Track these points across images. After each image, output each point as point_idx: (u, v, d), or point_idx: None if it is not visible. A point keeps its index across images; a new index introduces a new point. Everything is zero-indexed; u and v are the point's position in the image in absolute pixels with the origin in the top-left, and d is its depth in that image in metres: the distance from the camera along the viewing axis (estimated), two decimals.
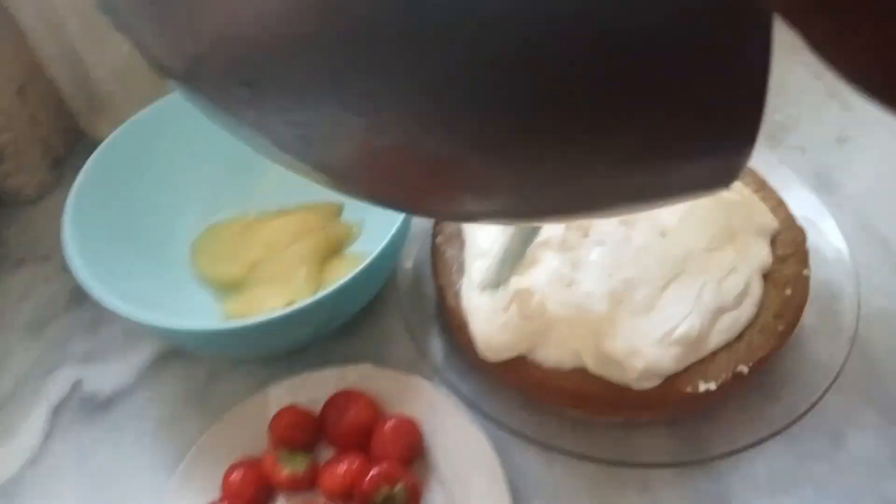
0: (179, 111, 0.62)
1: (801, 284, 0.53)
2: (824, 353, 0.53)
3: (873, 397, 0.53)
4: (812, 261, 0.54)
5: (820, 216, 0.59)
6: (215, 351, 0.56)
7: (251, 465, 0.49)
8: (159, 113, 0.62)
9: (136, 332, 0.60)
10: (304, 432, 0.51)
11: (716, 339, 0.49)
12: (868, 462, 0.50)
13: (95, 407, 0.57)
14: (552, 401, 0.52)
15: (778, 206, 0.57)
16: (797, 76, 0.76)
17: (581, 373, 0.50)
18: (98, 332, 0.61)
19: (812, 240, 0.56)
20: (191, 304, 0.59)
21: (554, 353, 0.50)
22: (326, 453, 0.51)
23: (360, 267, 0.49)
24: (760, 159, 0.62)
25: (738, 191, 0.56)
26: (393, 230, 0.52)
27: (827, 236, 0.58)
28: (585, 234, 0.55)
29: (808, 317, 0.54)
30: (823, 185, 0.65)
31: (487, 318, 0.51)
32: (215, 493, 0.48)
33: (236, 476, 0.48)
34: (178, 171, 0.64)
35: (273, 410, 0.51)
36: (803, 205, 0.59)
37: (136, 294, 0.52)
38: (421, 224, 0.62)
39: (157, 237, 0.62)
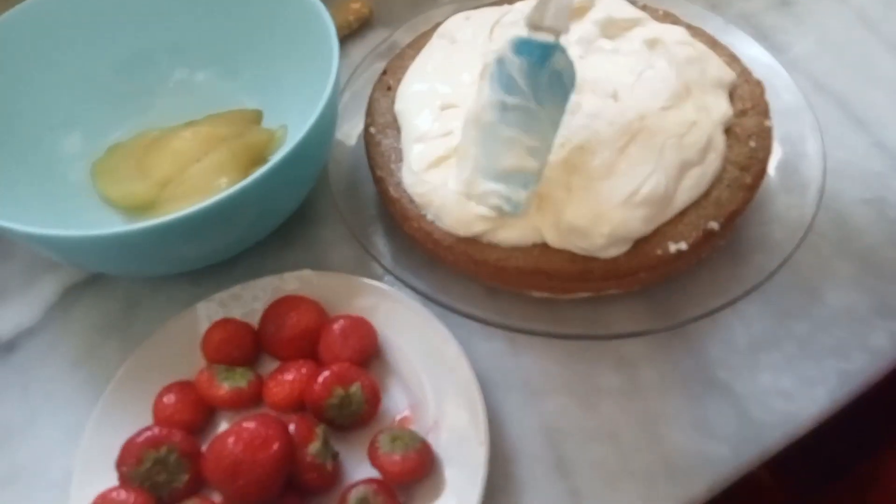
0: (48, 17, 0.54)
1: (765, 136, 0.49)
2: (793, 210, 0.50)
3: (847, 250, 0.50)
4: (772, 116, 0.51)
5: (774, 72, 0.56)
6: (130, 268, 0.49)
7: (184, 387, 0.43)
8: (23, 19, 0.53)
9: (35, 264, 0.53)
10: (241, 346, 0.45)
11: (683, 196, 0.46)
12: (849, 314, 0.48)
13: None
14: (514, 283, 0.47)
15: (732, 61, 0.53)
16: None
17: (542, 249, 0.45)
18: None
19: (769, 95, 0.52)
20: (97, 228, 0.52)
21: (512, 233, 0.45)
22: (270, 367, 0.45)
23: (288, 149, 0.43)
24: (708, 23, 0.58)
25: (690, 45, 0.52)
26: (315, 114, 0.45)
27: (783, 91, 0.55)
28: None
29: (773, 173, 0.51)
30: (772, 48, 0.61)
31: (452, 192, 0.46)
32: (147, 422, 0.42)
33: (168, 400, 0.43)
34: (51, 82, 0.56)
35: (204, 327, 0.46)
36: (756, 62, 0.55)
37: (31, 222, 0.44)
38: (349, 117, 0.56)
39: (46, 159, 0.54)
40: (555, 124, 0.43)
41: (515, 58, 0.42)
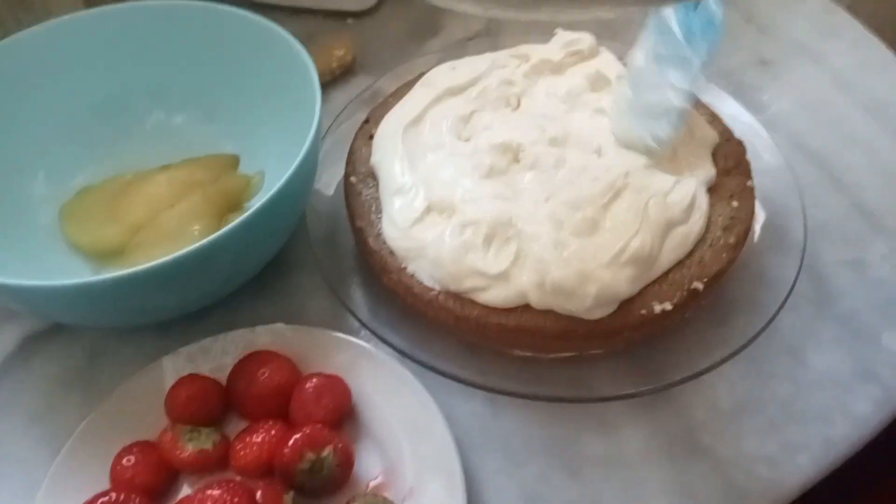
0: (23, 57, 0.53)
1: (747, 196, 0.49)
2: (775, 270, 0.50)
3: (828, 312, 0.50)
4: (753, 175, 0.51)
5: (754, 131, 0.56)
6: (96, 319, 0.47)
7: (146, 448, 0.41)
8: None
9: None
10: (208, 404, 0.43)
11: (668, 256, 0.45)
12: (831, 378, 0.47)
13: None
14: (495, 341, 0.46)
15: (713, 120, 0.54)
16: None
17: (525, 307, 0.44)
18: None
19: (749, 154, 0.52)
20: (62, 275, 0.50)
21: (498, 294, 0.44)
22: (237, 426, 0.43)
23: (266, 198, 0.42)
24: None
25: None
26: (297, 161, 0.44)
27: (763, 151, 0.55)
28: (515, 159, 0.50)
29: (756, 234, 0.51)
30: (751, 107, 0.62)
31: (448, 244, 0.45)
32: (104, 485, 0.40)
33: (128, 461, 0.40)
34: (23, 122, 0.54)
35: (170, 383, 0.43)
36: (736, 121, 0.56)
37: None
38: (329, 166, 0.55)
39: (13, 200, 0.52)
40: (705, 66, 0.46)
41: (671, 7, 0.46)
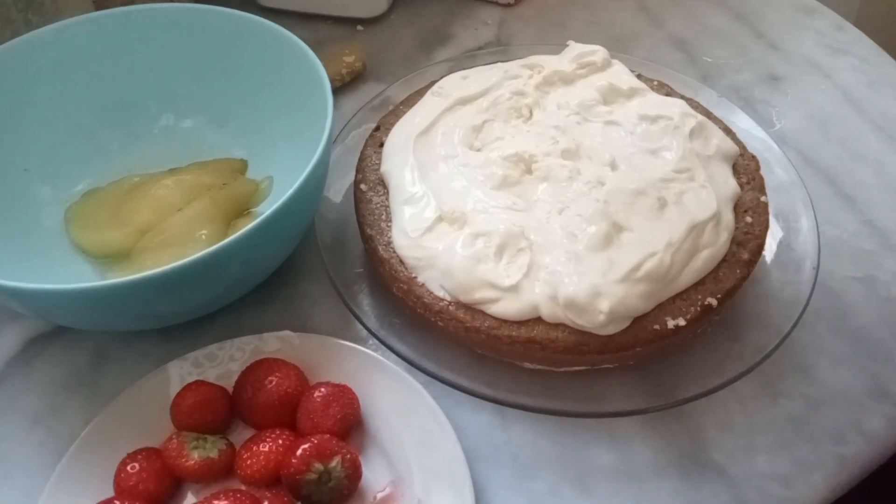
0: (24, 59, 0.52)
1: (761, 211, 0.49)
2: (788, 286, 0.49)
3: (842, 329, 0.50)
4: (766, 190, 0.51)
5: (766, 147, 0.56)
6: (98, 324, 0.46)
7: (150, 455, 0.40)
8: (6, 58, 0.52)
9: None
10: (214, 412, 0.42)
11: (690, 276, 0.44)
12: (844, 396, 0.46)
13: None
14: (506, 353, 0.45)
15: (727, 134, 0.53)
16: (721, 19, 0.73)
17: (536, 320, 0.44)
18: None
19: (762, 169, 0.52)
20: (67, 277, 0.50)
21: (510, 307, 0.44)
22: (243, 435, 0.43)
23: (277, 205, 0.41)
24: (701, 95, 0.58)
25: (693, 116, 0.51)
26: (309, 167, 0.44)
27: (775, 166, 0.55)
28: (528, 171, 0.49)
29: (769, 250, 0.51)
30: (761, 122, 0.62)
31: (459, 255, 0.44)
32: (108, 492, 0.39)
33: (132, 468, 0.39)
34: (31, 123, 0.54)
35: (175, 389, 0.43)
36: (748, 136, 0.56)
37: None
38: (338, 173, 0.55)
39: (18, 202, 0.52)
40: None
41: None
